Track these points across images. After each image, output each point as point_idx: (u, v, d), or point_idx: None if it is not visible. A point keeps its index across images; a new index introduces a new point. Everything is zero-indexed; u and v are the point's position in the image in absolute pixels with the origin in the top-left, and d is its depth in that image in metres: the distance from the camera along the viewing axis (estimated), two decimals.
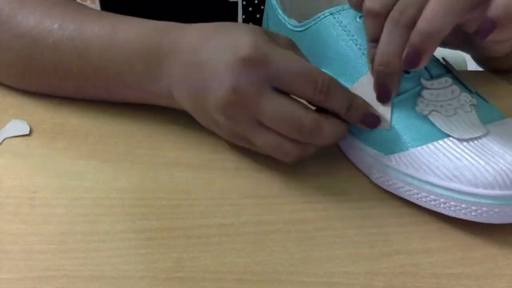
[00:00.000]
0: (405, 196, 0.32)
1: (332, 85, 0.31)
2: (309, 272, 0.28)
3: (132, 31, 0.35)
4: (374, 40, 0.32)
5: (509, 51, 0.35)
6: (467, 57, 0.65)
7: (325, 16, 0.36)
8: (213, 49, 0.32)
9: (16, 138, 0.37)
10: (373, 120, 0.32)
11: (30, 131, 0.38)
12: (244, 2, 0.47)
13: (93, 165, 0.35)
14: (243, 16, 0.48)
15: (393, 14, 0.30)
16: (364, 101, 0.33)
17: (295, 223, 0.31)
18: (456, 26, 0.30)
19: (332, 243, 0.30)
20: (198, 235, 0.30)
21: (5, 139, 0.37)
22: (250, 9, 0.49)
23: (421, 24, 0.29)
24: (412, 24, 0.30)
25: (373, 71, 0.33)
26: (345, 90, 0.32)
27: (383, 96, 0.32)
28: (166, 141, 0.37)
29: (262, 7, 0.49)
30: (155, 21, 0.36)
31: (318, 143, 0.32)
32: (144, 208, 0.32)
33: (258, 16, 0.49)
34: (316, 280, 0.28)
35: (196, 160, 0.36)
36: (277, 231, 0.31)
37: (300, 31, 0.38)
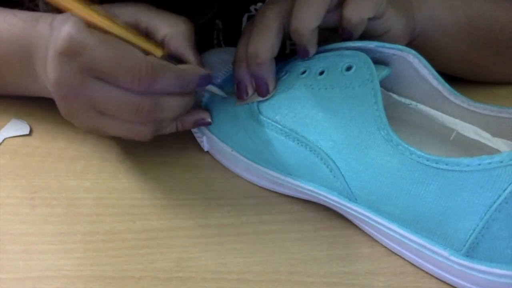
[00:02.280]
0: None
1: (157, 70, 0.29)
2: (309, 272, 0.28)
3: (5, 32, 0.35)
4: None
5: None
6: None
7: None
8: (49, 42, 0.31)
9: (16, 138, 0.37)
10: (206, 80, 0.32)
11: (30, 131, 0.38)
12: None
13: (93, 165, 0.35)
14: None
15: (261, 10, 0.32)
16: (193, 69, 0.31)
17: (295, 223, 0.32)
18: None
19: (332, 243, 0.30)
20: (198, 235, 0.30)
21: (5, 139, 0.37)
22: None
23: (292, 22, 0.31)
24: (280, 16, 0.31)
25: (238, 66, 0.33)
26: (174, 71, 0.30)
27: (261, 89, 0.32)
28: (166, 141, 0.37)
29: None
30: (26, 16, 0.35)
31: (162, 119, 0.31)
32: (144, 208, 0.32)
33: None
34: (316, 280, 0.28)
35: (196, 160, 0.36)
36: (277, 231, 0.31)
37: None
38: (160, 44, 0.32)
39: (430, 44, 0.38)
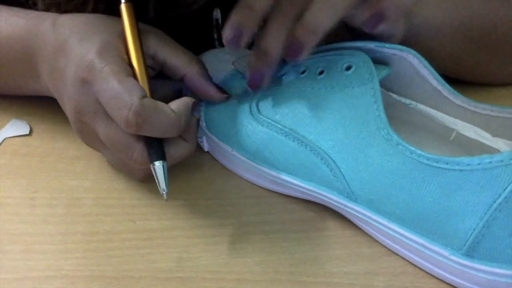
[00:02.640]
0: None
1: (145, 114, 0.28)
2: (309, 272, 0.28)
3: (7, 32, 0.35)
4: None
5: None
6: None
7: None
8: (66, 58, 0.31)
9: (16, 138, 0.37)
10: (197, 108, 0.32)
11: (30, 131, 0.38)
12: None
13: (93, 165, 0.35)
14: None
15: (280, 5, 0.29)
16: (187, 108, 0.31)
17: (295, 223, 0.32)
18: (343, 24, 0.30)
19: (332, 243, 0.30)
20: (198, 235, 0.30)
21: (5, 139, 0.37)
22: None
23: (306, 18, 0.29)
24: (296, 16, 0.29)
25: (252, 58, 0.31)
26: (166, 115, 0.29)
27: (255, 81, 0.32)
28: None
29: None
30: (28, 15, 0.35)
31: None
32: (144, 208, 0.32)
33: None
34: (316, 280, 0.28)
35: (196, 160, 0.36)
36: (277, 231, 0.31)
37: None
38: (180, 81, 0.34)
39: (423, 45, 0.38)
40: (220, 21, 0.44)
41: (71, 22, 0.33)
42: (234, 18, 0.29)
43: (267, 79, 0.32)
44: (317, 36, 0.29)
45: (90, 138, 0.32)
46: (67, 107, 0.32)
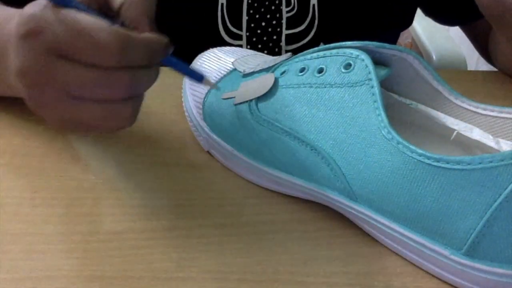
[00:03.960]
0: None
1: (125, 40, 0.26)
2: (309, 272, 0.28)
3: None
4: None
5: None
6: (467, 56, 0.66)
7: None
8: (11, 30, 0.28)
9: (16, 138, 0.37)
10: (168, 49, 0.29)
11: (30, 131, 0.38)
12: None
13: (93, 165, 0.35)
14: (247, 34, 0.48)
15: None
16: (158, 38, 0.28)
17: (295, 223, 0.31)
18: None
19: (332, 243, 0.30)
20: (198, 235, 0.30)
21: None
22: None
23: None
24: None
25: None
26: (140, 41, 0.27)
27: None
28: (166, 141, 0.37)
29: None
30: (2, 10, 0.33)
31: (140, 92, 0.29)
32: (144, 208, 0.32)
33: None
34: (316, 280, 0.28)
35: (196, 160, 0.36)
36: (277, 231, 0.31)
37: None
38: (116, 13, 0.29)
39: None
40: (225, 7, 0.45)
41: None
42: None
43: None
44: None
45: (55, 104, 0.28)
46: (20, 81, 0.28)
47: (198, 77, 0.30)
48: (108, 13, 0.28)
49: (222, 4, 0.45)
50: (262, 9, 0.47)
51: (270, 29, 0.46)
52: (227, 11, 0.45)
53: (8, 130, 0.38)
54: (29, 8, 0.27)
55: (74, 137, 0.37)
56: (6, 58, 0.31)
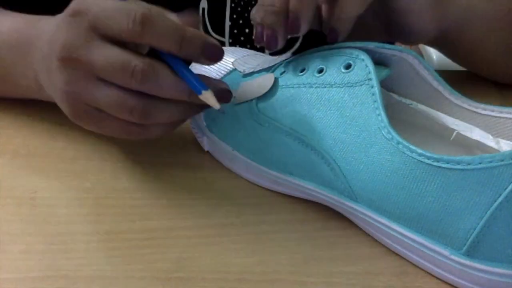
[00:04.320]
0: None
1: (152, 17, 0.28)
2: (309, 272, 0.28)
3: (5, 26, 0.36)
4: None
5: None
6: None
7: None
8: (58, 20, 0.31)
9: (16, 138, 0.37)
10: (215, 51, 0.29)
11: (30, 131, 0.38)
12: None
13: (93, 165, 0.35)
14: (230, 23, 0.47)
15: None
16: (199, 32, 0.29)
17: (295, 223, 0.31)
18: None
19: (332, 243, 0.30)
20: (198, 235, 0.30)
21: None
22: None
23: (338, 11, 0.31)
24: None
25: (257, 17, 0.31)
26: (172, 21, 0.29)
27: (271, 40, 0.31)
28: (166, 141, 0.37)
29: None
30: (27, 15, 0.36)
31: (156, 90, 0.29)
32: (144, 208, 0.32)
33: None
34: (316, 280, 0.28)
35: (196, 160, 0.36)
36: (277, 231, 0.31)
37: None
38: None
39: (467, 36, 0.37)
40: (206, 12, 0.43)
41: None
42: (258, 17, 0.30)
43: (282, 38, 0.31)
44: (348, 25, 0.31)
45: (82, 83, 0.30)
46: (55, 56, 0.30)
47: (198, 89, 0.29)
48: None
49: (203, 9, 0.44)
50: (246, 14, 0.46)
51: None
52: (208, 17, 0.44)
53: (8, 130, 0.38)
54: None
55: (75, 137, 0.37)
56: (35, 52, 0.33)
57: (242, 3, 0.46)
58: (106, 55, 0.29)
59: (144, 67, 0.28)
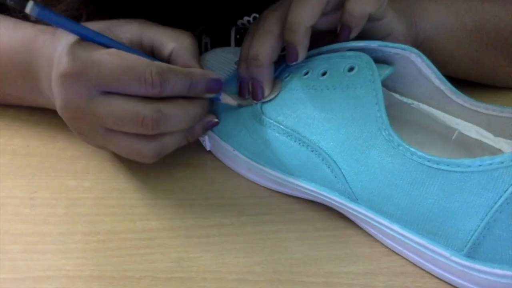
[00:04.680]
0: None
1: (164, 73, 0.29)
2: (309, 272, 0.28)
3: (5, 44, 0.35)
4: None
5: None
6: None
7: None
8: (52, 61, 0.31)
9: (16, 138, 0.37)
10: (218, 84, 0.32)
11: (30, 131, 0.38)
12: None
13: (93, 165, 0.35)
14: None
15: (263, 15, 0.32)
16: (202, 71, 0.31)
17: (295, 223, 0.31)
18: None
19: (332, 243, 0.30)
20: (198, 235, 0.30)
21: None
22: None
23: (288, 20, 0.31)
24: (279, 20, 0.31)
25: (242, 66, 0.33)
26: (180, 72, 0.30)
27: (257, 92, 0.32)
28: None
29: None
30: (23, 29, 0.35)
31: (169, 129, 0.31)
32: (144, 208, 0.32)
33: None
34: (316, 280, 0.28)
35: (196, 160, 0.36)
36: (277, 231, 0.31)
37: None
38: (167, 60, 0.32)
39: (437, 52, 0.38)
40: (209, 46, 0.44)
41: (52, 40, 0.32)
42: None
43: (268, 86, 0.32)
44: (301, 34, 0.30)
45: (91, 134, 0.31)
46: (61, 114, 0.31)
47: (216, 97, 0.33)
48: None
49: (206, 43, 0.44)
50: None
51: None
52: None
53: (8, 130, 0.38)
54: (69, 47, 0.29)
55: (74, 137, 0.37)
56: (40, 74, 0.33)
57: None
58: (112, 110, 0.29)
59: (153, 116, 0.29)
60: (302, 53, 0.31)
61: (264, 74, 0.32)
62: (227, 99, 0.33)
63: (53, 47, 0.32)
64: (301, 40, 0.31)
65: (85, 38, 0.29)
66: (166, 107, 0.30)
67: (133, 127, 0.30)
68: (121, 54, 0.29)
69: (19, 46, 0.34)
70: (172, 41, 0.32)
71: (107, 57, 0.28)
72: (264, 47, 0.31)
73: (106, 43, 0.30)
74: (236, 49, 0.39)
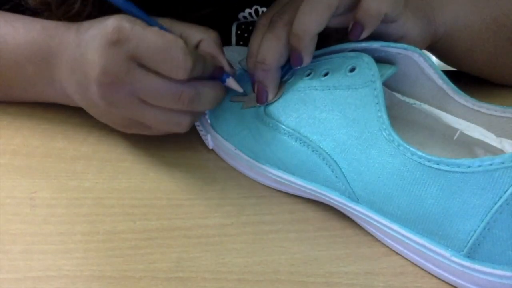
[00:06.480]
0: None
1: (196, 58, 0.31)
2: (309, 272, 0.28)
3: (21, 36, 0.35)
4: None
5: None
6: None
7: None
8: (87, 40, 0.32)
9: (16, 138, 0.37)
10: (220, 72, 0.33)
11: (30, 131, 0.38)
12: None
13: (93, 165, 0.35)
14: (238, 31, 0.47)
15: (273, 18, 0.32)
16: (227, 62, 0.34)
17: (295, 223, 0.31)
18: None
19: (332, 243, 0.30)
20: (198, 235, 0.30)
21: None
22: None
23: (294, 26, 0.31)
24: (288, 25, 0.31)
25: (250, 68, 0.33)
26: (207, 60, 0.32)
27: (262, 94, 0.33)
28: (166, 141, 0.37)
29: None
30: (41, 21, 0.36)
31: (200, 109, 0.33)
32: (144, 208, 0.32)
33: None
34: (316, 280, 0.28)
35: (196, 160, 0.36)
36: (277, 231, 0.31)
37: None
38: (195, 47, 0.34)
39: (455, 46, 0.38)
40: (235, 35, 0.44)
41: (81, 24, 0.33)
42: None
43: (272, 90, 0.33)
44: (306, 41, 0.31)
45: (125, 104, 0.31)
46: (99, 80, 0.31)
47: (223, 79, 0.34)
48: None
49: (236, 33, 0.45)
50: None
51: None
52: None
53: (8, 130, 0.38)
54: (116, 18, 0.30)
55: (74, 137, 0.37)
56: (56, 61, 0.34)
57: (250, 28, 0.46)
58: (150, 84, 0.30)
59: (190, 93, 0.31)
60: (307, 58, 0.32)
61: (270, 79, 0.33)
62: (233, 84, 0.34)
63: (77, 37, 0.33)
64: (306, 47, 0.31)
65: (133, 15, 0.31)
66: (202, 87, 0.32)
67: (170, 102, 0.31)
68: (161, 33, 0.30)
69: (38, 35, 0.35)
70: (201, 33, 0.34)
71: (147, 33, 0.30)
72: (271, 52, 0.32)
73: (150, 22, 0.31)
74: (240, 49, 0.39)
